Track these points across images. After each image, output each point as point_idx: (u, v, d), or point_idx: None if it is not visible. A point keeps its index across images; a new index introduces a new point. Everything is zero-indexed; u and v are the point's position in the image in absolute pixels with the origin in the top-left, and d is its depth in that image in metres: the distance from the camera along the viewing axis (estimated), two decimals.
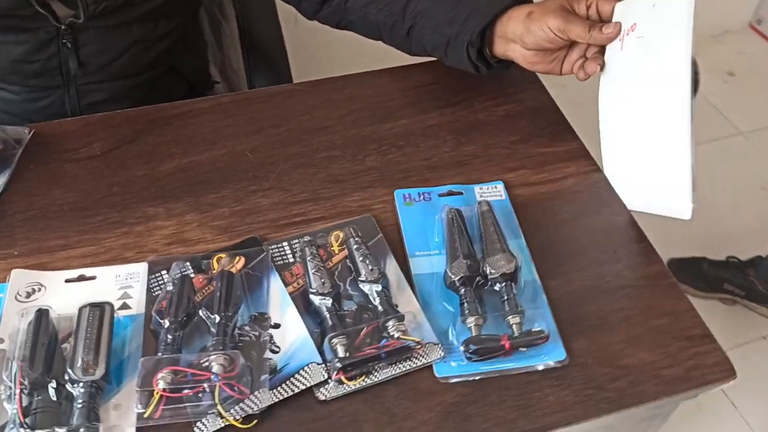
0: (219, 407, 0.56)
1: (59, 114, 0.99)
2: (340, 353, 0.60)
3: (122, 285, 0.66)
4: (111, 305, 0.61)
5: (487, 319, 0.64)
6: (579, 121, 0.85)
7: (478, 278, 0.66)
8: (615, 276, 0.70)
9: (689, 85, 0.65)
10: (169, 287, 0.64)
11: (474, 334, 0.62)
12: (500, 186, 0.76)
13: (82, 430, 0.54)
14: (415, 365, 0.61)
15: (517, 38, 0.76)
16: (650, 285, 0.69)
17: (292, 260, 0.68)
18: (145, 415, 0.56)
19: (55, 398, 0.56)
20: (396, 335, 0.61)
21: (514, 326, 0.63)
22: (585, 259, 0.71)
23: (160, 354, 0.58)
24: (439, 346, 0.62)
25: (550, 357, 0.63)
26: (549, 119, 0.85)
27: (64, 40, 0.90)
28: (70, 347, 0.58)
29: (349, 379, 0.60)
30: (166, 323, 0.60)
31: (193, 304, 0.62)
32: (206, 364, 0.57)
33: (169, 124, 0.82)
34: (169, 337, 0.60)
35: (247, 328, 0.62)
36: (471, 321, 0.63)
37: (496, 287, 0.66)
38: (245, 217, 0.72)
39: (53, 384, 0.56)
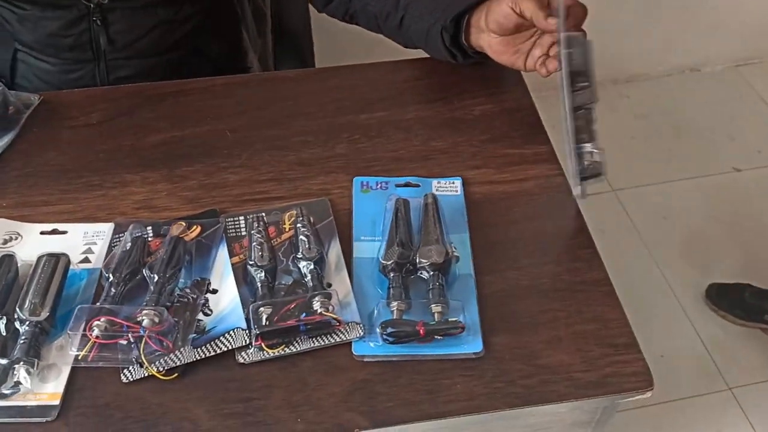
0: (143, 357, 0.62)
1: (90, 86, 1.08)
2: (263, 321, 0.64)
3: (88, 241, 0.72)
4: (66, 256, 0.68)
5: (412, 306, 0.66)
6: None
7: (408, 265, 0.68)
8: (551, 278, 0.71)
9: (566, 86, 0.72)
10: (128, 247, 0.70)
11: (395, 318, 0.65)
12: (458, 182, 0.78)
13: (21, 362, 0.61)
14: (332, 341, 0.65)
15: (484, 23, 0.78)
16: (586, 290, 0.70)
17: (244, 234, 0.73)
18: (80, 357, 0.62)
19: (4, 333, 0.63)
20: (319, 311, 0.65)
21: (435, 314, 0.65)
22: (526, 259, 0.72)
23: (98, 304, 0.64)
24: (361, 326, 0.65)
25: (466, 348, 0.65)
26: (524, 121, 0.86)
27: (94, 18, 0.98)
28: (23, 290, 0.65)
29: (269, 346, 0.64)
30: (110, 277, 0.66)
31: (139, 263, 0.67)
32: (139, 318, 0.63)
33: (163, 100, 0.88)
34: (112, 290, 0.66)
35: (187, 290, 0.67)
36: (394, 305, 0.66)
37: (424, 275, 0.68)
38: (212, 191, 0.78)
39: (3, 320, 0.63)
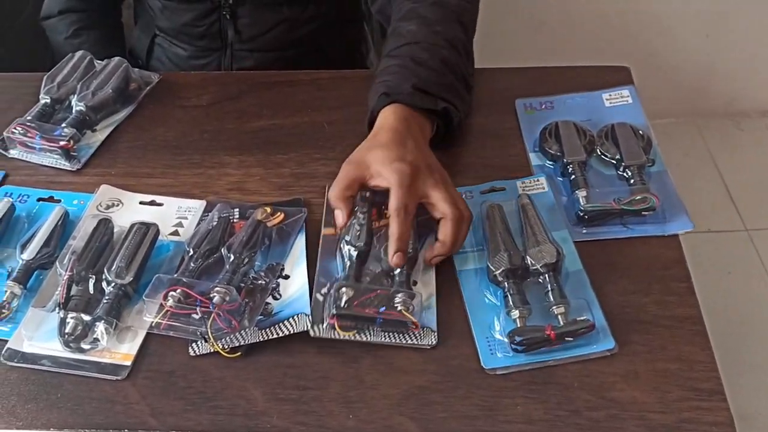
0: (209, 333, 0.63)
1: None
2: (342, 302, 0.64)
3: (180, 215, 0.76)
4: (156, 226, 0.71)
5: (532, 311, 0.64)
6: None
7: (519, 270, 0.66)
8: (636, 307, 0.66)
9: None
10: (212, 225, 0.72)
11: (519, 326, 0.63)
12: (542, 179, 0.76)
13: (102, 321, 0.64)
14: (403, 342, 0.63)
15: None
16: (673, 326, 0.65)
17: None
18: (153, 324, 0.65)
19: (91, 291, 0.67)
20: (399, 308, 0.64)
21: (559, 316, 0.63)
22: (611, 284, 0.68)
23: (176, 275, 0.67)
24: (435, 334, 0.64)
25: (598, 347, 0.62)
26: None
27: (224, 12, 1.04)
28: (113, 253, 0.69)
29: (342, 328, 0.64)
30: (191, 251, 0.69)
31: (219, 242, 0.70)
32: (211, 294, 0.65)
33: (269, 89, 0.91)
34: (191, 264, 0.68)
35: (261, 273, 0.69)
36: (515, 313, 0.64)
37: (540, 279, 0.66)
38: (301, 180, 0.79)
39: (93, 279, 0.67)
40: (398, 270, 0.67)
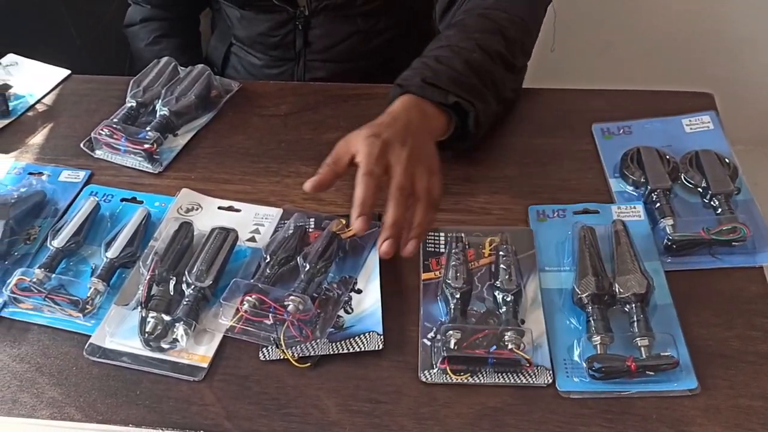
0: (282, 340, 0.64)
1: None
2: (451, 344, 0.63)
3: (257, 222, 0.77)
4: (235, 232, 0.73)
5: (614, 339, 0.63)
6: None
7: (606, 297, 0.65)
8: (719, 341, 0.64)
9: None
10: (288, 233, 0.74)
11: (599, 353, 0.62)
12: (639, 206, 0.74)
13: (182, 322, 0.66)
14: (518, 382, 0.62)
15: None
16: (757, 363, 0.63)
17: (442, 250, 0.72)
18: (227, 327, 0.66)
19: (171, 292, 0.69)
20: (510, 347, 0.62)
21: (642, 349, 0.62)
22: (694, 316, 0.66)
23: (252, 281, 0.68)
24: (549, 372, 0.62)
25: (679, 385, 0.61)
26: None
27: (297, 23, 1.06)
28: (194, 256, 0.71)
29: (453, 371, 0.62)
30: (267, 258, 0.70)
31: (295, 251, 0.71)
32: (286, 302, 0.66)
33: (345, 101, 0.92)
34: (267, 270, 0.69)
35: (334, 285, 0.69)
36: (597, 339, 0.63)
37: (626, 308, 0.65)
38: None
39: (173, 281, 0.69)
40: (504, 308, 0.66)
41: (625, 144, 0.81)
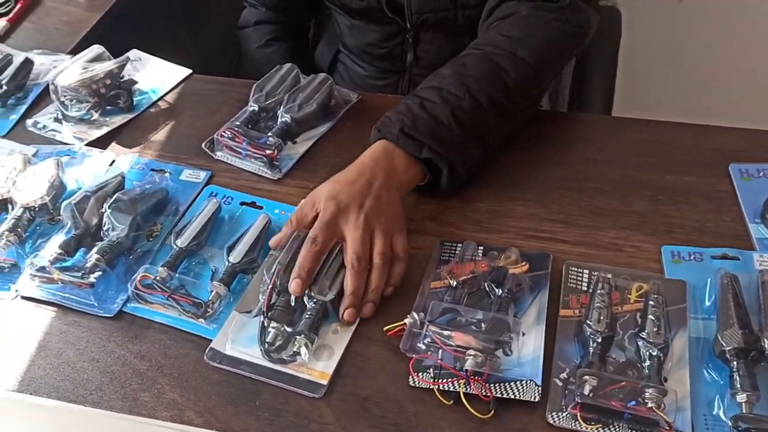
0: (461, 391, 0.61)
1: (393, 94, 1.15)
2: (586, 390, 0.59)
3: None
4: None
5: (760, 398, 0.59)
6: None
7: (753, 352, 0.61)
8: None
9: None
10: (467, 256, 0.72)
11: (744, 412, 0.58)
12: None
13: (303, 335, 0.65)
14: None
15: None
16: None
17: (585, 288, 0.69)
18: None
19: (292, 304, 0.68)
20: (650, 405, 0.58)
21: None
22: None
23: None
24: None
25: None
26: None
27: (407, 36, 1.05)
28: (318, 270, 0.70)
29: (585, 420, 0.59)
30: (454, 284, 0.69)
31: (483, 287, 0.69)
32: (466, 357, 0.62)
33: None
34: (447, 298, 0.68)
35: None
36: (742, 397, 0.59)
37: None
38: (498, 218, 0.78)
39: None
40: (648, 362, 0.62)
41: (766, 188, 0.77)
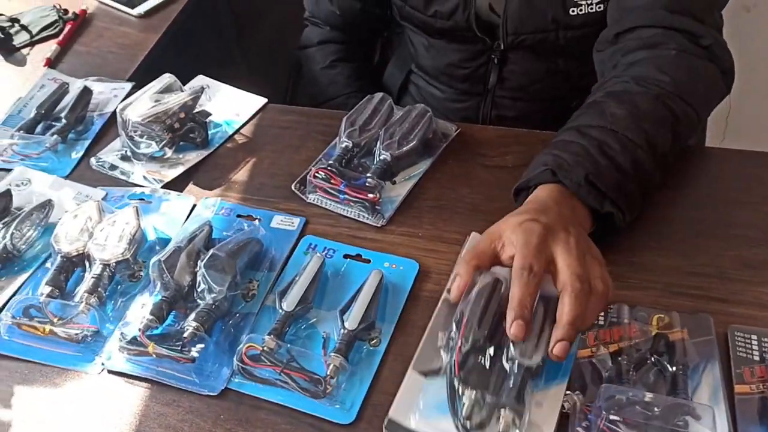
0: None
1: (470, 119, 1.07)
2: None
3: None
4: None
5: None
6: None
7: None
8: None
9: None
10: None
11: None
12: None
13: (508, 408, 0.55)
14: None
15: None
16: None
17: (757, 358, 0.61)
18: None
19: (487, 365, 0.57)
20: None
21: None
22: None
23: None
24: None
25: None
26: None
27: (493, 56, 0.96)
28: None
29: None
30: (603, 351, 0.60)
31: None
32: None
33: None
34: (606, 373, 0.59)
35: None
36: None
37: None
38: (639, 272, 0.69)
39: (491, 351, 0.57)
40: None
41: None
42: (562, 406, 0.57)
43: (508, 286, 0.59)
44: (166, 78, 0.85)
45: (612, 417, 0.55)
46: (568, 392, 0.58)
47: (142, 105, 0.82)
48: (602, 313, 0.64)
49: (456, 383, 0.56)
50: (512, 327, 0.56)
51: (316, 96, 1.13)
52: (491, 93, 1.02)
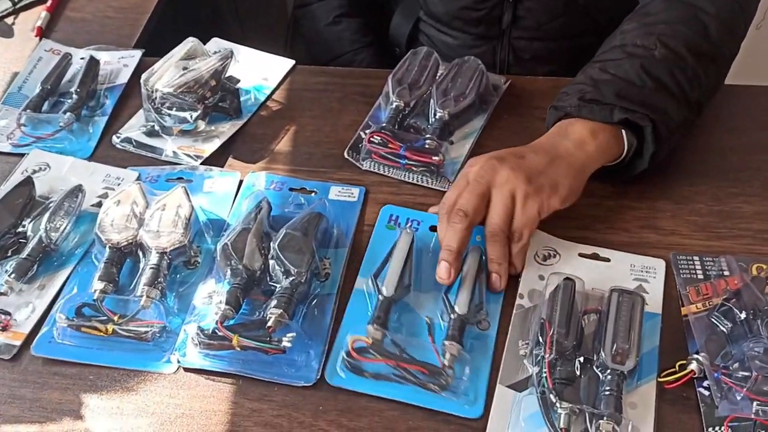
0: None
1: (486, 65, 1.02)
2: None
3: (637, 276, 0.62)
4: (642, 298, 0.58)
5: None
6: None
7: None
8: None
9: None
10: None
11: None
12: None
13: (606, 418, 0.51)
14: None
15: None
16: None
17: None
18: None
19: (578, 373, 0.55)
20: None
21: None
22: None
23: None
24: None
25: None
26: None
27: None
28: (597, 327, 0.57)
29: None
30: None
31: None
32: None
33: None
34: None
35: None
36: None
37: None
38: (725, 220, 0.67)
39: (580, 359, 0.55)
40: None
41: None
42: (692, 371, 0.55)
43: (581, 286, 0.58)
44: (190, 42, 0.77)
45: (741, 373, 0.53)
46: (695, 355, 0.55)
47: (168, 74, 0.74)
48: (691, 264, 0.62)
49: (548, 395, 0.53)
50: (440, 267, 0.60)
51: (320, 55, 1.06)
52: (507, 35, 0.97)
